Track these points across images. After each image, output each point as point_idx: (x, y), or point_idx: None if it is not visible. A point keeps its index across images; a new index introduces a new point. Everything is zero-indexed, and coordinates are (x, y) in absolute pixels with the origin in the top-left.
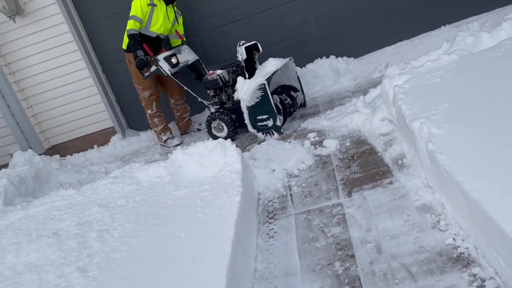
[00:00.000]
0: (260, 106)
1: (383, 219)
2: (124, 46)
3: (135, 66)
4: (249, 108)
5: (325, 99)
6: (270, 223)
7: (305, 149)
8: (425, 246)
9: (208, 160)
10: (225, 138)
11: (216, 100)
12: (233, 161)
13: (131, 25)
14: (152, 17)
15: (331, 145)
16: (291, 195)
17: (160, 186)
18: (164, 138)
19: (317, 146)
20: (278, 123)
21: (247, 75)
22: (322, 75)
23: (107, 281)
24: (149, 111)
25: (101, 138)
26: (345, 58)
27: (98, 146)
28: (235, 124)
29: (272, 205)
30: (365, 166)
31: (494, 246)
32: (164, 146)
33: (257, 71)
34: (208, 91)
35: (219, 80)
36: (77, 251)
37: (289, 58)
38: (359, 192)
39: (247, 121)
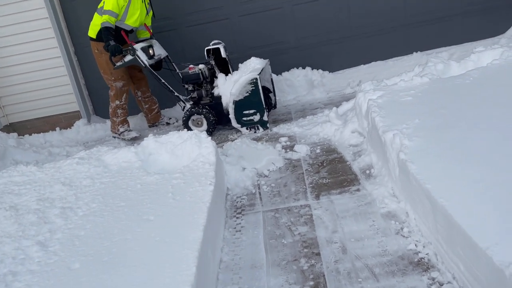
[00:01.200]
0: (249, 101)
1: (349, 222)
2: (93, 35)
3: (106, 56)
4: (236, 103)
5: (297, 108)
6: (237, 217)
7: (277, 151)
8: (388, 250)
9: (181, 150)
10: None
11: (195, 95)
12: (208, 153)
13: (105, 19)
14: (129, 10)
15: (301, 150)
16: (260, 193)
17: (129, 171)
18: (122, 129)
19: (288, 150)
20: (265, 117)
21: (218, 72)
22: (297, 85)
23: (69, 256)
24: (116, 102)
25: (64, 121)
26: (320, 71)
27: (60, 129)
28: (215, 120)
29: (240, 201)
30: (334, 173)
31: (456, 251)
32: (118, 138)
33: (240, 68)
34: (186, 86)
35: (200, 75)
36: (37, 226)
37: (267, 60)
38: (326, 196)
39: (232, 115)
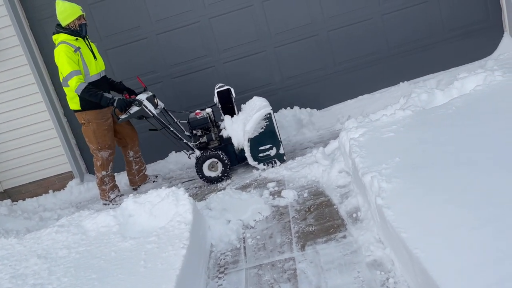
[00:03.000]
0: (264, 136)
1: (333, 275)
2: (76, 106)
3: (93, 125)
4: (251, 140)
5: (287, 149)
6: (219, 278)
7: (263, 199)
8: None
9: (159, 210)
10: (220, 176)
11: (204, 139)
12: (184, 211)
13: (76, 81)
14: (85, 61)
15: (289, 196)
16: (244, 247)
17: (106, 237)
18: (113, 196)
19: (276, 196)
20: (282, 150)
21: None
22: (286, 125)
23: None
24: (103, 172)
25: (57, 182)
26: (308, 109)
27: (53, 191)
28: (229, 161)
29: (224, 259)
30: (321, 218)
31: None
32: (109, 204)
33: (244, 108)
34: (194, 131)
35: (208, 119)
36: None
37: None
38: (312, 246)
39: (247, 154)
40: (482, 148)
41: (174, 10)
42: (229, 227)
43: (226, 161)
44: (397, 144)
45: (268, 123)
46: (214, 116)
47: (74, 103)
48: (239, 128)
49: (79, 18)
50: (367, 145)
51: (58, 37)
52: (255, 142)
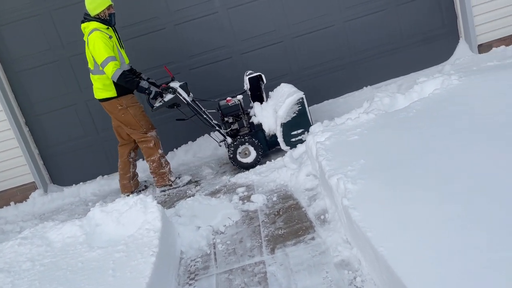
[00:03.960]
0: (296, 121)
1: (303, 277)
2: (110, 94)
3: (132, 109)
4: (284, 125)
5: None
6: (190, 284)
7: (233, 204)
8: None
9: (127, 218)
10: (253, 163)
11: (236, 126)
12: (153, 218)
13: (113, 67)
14: (119, 49)
15: (258, 200)
16: (215, 253)
17: (73, 247)
18: (173, 178)
19: (245, 201)
20: None
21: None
22: None
23: None
24: (159, 151)
25: (19, 194)
26: None
27: (15, 203)
28: (261, 147)
29: (194, 265)
30: (290, 221)
31: None
32: (171, 188)
33: (272, 95)
34: (226, 118)
35: (239, 106)
36: None
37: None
38: (282, 249)
39: (280, 139)
40: (442, 149)
41: (192, 1)
42: (199, 234)
43: (259, 147)
44: (362, 146)
45: (300, 107)
46: (242, 104)
47: (108, 91)
48: (270, 114)
49: (108, 7)
50: (333, 148)
51: (89, 25)
52: (288, 127)
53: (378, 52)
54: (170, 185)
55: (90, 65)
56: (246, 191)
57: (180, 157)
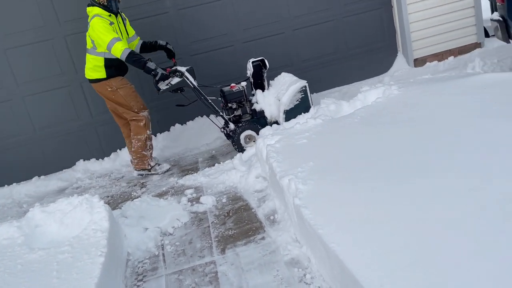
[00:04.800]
0: (298, 108)
1: (254, 276)
2: (100, 75)
3: (122, 91)
4: (286, 112)
5: (205, 156)
6: (138, 286)
7: (182, 206)
8: None
9: (71, 218)
10: None
11: (239, 112)
12: (100, 218)
13: (121, 46)
14: (120, 30)
15: (207, 202)
16: (163, 254)
17: (10, 249)
18: (152, 163)
19: (194, 202)
20: None
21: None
22: (204, 132)
23: None
24: (147, 132)
25: None
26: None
27: None
28: None
29: (142, 266)
30: (240, 222)
31: None
32: (148, 174)
33: (273, 84)
34: (230, 104)
35: (243, 92)
36: None
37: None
38: (232, 249)
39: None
40: (384, 152)
41: None
42: (146, 235)
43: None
44: (311, 149)
45: (303, 95)
46: (246, 90)
47: (97, 72)
48: (272, 101)
49: None
50: (283, 150)
51: (93, 10)
52: (290, 114)
53: (325, 61)
54: (149, 170)
55: (88, 45)
56: (195, 192)
57: (123, 158)
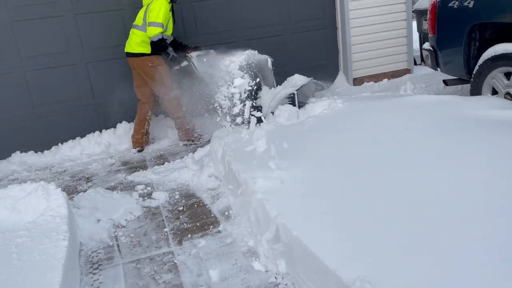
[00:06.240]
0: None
1: (213, 264)
2: (145, 50)
3: (161, 68)
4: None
5: (153, 155)
6: (94, 273)
7: (134, 200)
8: (251, 286)
9: (25, 204)
10: None
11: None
12: (58, 205)
13: (158, 31)
14: (169, 22)
15: (160, 197)
16: (118, 245)
17: None
18: (196, 135)
19: (146, 198)
20: None
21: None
22: (153, 132)
23: None
24: (184, 108)
25: None
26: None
27: None
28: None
29: (96, 256)
30: (194, 217)
31: (311, 278)
32: (192, 144)
33: (284, 84)
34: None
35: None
36: None
37: (310, 78)
38: (189, 241)
39: None
40: (329, 154)
41: None
42: (99, 226)
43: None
44: (265, 151)
45: (290, 102)
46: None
47: (143, 47)
48: (267, 100)
49: None
50: (239, 151)
51: None
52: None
53: (274, 72)
54: (193, 141)
55: (139, 21)
56: (146, 188)
57: (65, 153)
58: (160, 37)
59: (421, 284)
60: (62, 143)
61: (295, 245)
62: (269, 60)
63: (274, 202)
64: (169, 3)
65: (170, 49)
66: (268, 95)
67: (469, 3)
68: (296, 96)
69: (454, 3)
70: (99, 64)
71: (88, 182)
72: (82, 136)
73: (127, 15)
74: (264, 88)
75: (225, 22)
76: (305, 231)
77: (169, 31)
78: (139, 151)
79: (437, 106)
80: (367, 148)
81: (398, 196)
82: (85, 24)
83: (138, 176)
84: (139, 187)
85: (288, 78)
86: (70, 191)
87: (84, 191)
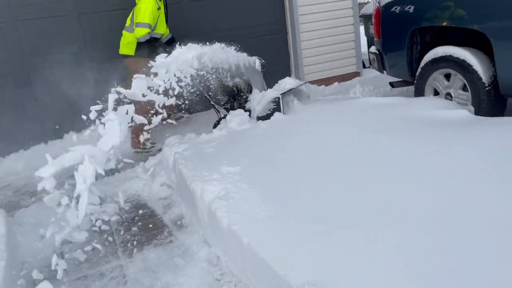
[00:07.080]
0: (270, 116)
1: (164, 275)
2: (130, 52)
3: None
4: (258, 118)
5: None
6: None
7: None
8: None
9: None
10: None
11: (228, 106)
12: None
13: (145, 32)
14: (158, 20)
15: (109, 209)
16: (65, 262)
17: None
18: (149, 143)
19: (94, 211)
20: None
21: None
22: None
23: None
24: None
25: None
26: None
27: None
28: None
29: (40, 274)
30: (146, 228)
31: (263, 284)
32: (143, 151)
33: (274, 87)
34: (222, 96)
35: (235, 87)
36: None
37: (303, 81)
38: (140, 253)
39: None
40: (283, 158)
41: None
42: (43, 243)
43: None
44: (218, 157)
45: (275, 106)
46: (243, 86)
47: (128, 49)
48: (255, 103)
49: None
50: (191, 158)
51: None
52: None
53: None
54: (144, 149)
55: (127, 22)
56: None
57: (8, 166)
58: (148, 38)
59: (369, 285)
60: (4, 157)
61: (246, 252)
62: (258, 62)
63: (225, 209)
64: (159, 0)
65: (160, 49)
66: (257, 98)
67: (409, 8)
68: (281, 100)
69: (396, 9)
70: None
71: (33, 196)
72: (26, 148)
73: None
74: (254, 91)
75: (172, 29)
76: (256, 237)
77: (160, 29)
78: (138, 152)
79: (385, 107)
80: (321, 151)
81: (350, 197)
82: None
83: None
84: None
85: (279, 81)
86: (12, 207)
87: (27, 207)
